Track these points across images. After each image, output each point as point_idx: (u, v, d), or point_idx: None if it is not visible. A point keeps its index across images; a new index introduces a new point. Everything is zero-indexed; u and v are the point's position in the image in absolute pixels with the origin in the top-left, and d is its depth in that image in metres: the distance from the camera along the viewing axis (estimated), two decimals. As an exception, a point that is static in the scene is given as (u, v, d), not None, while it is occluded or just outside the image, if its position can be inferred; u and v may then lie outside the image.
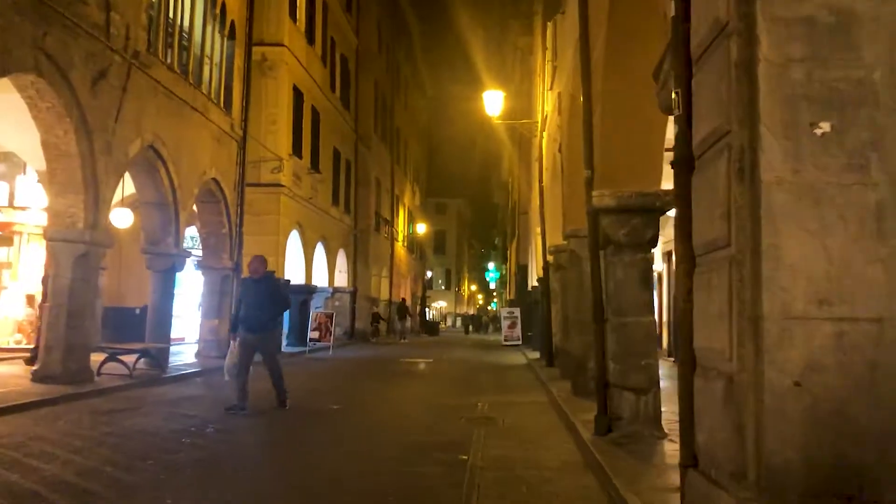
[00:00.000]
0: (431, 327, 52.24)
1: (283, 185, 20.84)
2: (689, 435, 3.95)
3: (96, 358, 11.89)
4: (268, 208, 20.63)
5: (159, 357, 13.42)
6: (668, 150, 6.00)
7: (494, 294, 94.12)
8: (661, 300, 19.67)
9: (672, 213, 4.89)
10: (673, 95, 4.06)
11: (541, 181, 17.00)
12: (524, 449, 7.26)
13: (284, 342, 23.52)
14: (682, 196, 4.01)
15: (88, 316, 11.13)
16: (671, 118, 4.25)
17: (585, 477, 6.06)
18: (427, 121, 60.25)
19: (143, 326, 19.92)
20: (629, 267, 7.21)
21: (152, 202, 13.91)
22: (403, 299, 38.38)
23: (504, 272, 64.99)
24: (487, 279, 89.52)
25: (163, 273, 14.10)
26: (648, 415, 7.08)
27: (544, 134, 16.74)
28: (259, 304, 9.35)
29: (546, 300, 16.95)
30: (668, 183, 7.44)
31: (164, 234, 14.09)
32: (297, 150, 22.38)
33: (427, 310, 60.55)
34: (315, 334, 21.99)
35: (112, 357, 12.04)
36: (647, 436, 7.02)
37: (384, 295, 37.33)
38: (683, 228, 3.99)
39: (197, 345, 17.35)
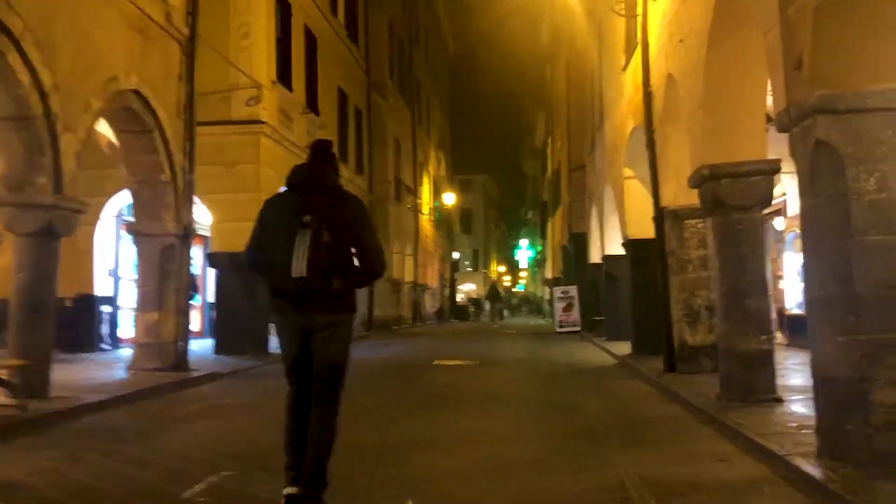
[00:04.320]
0: (462, 311, 46.54)
1: (262, 123, 14.94)
2: None
3: None
4: (243, 155, 14.78)
5: (21, 382, 7.59)
6: None
7: (524, 274, 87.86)
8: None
9: None
10: None
11: (647, 86, 10.92)
12: None
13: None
14: None
15: None
16: None
17: None
18: (449, 85, 54.06)
19: (79, 325, 14.35)
20: None
21: (5, 116, 8.06)
22: (495, 282, 37.24)
23: (539, 249, 58.82)
24: (518, 258, 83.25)
25: (34, 238, 8.27)
26: None
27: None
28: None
29: (659, 270, 10.93)
30: None
31: (32, 170, 8.24)
32: (284, 79, 16.47)
33: (455, 293, 54.72)
34: (316, 328, 16.10)
35: None
36: None
37: (408, 276, 31.44)
38: None
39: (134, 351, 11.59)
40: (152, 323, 11.10)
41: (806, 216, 5.30)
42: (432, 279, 39.61)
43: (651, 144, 10.89)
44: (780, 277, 15.68)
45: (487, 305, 35.81)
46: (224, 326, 14.94)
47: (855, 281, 4.88)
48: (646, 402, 8.71)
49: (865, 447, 4.81)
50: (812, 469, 4.78)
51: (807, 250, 5.31)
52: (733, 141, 7.71)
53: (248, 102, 14.80)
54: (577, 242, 25.83)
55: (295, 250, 3.96)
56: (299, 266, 3.95)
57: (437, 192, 41.89)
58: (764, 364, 7.71)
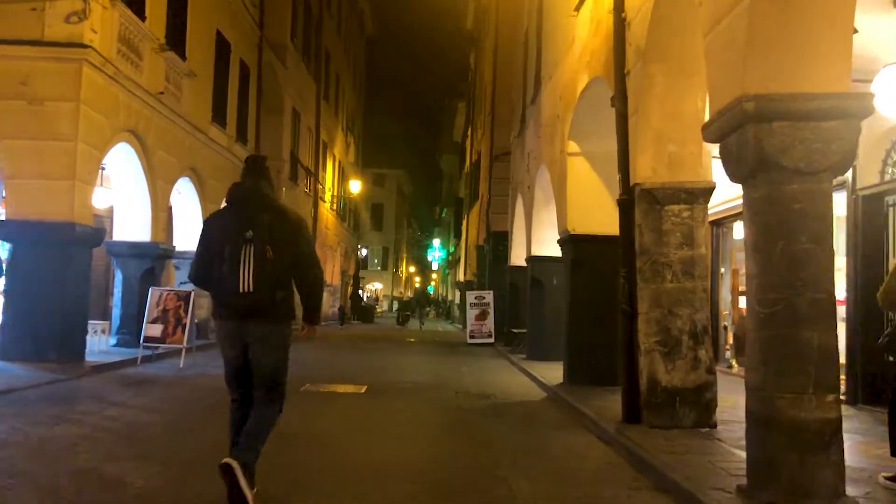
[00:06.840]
0: (366, 313, 42.73)
1: (88, 47, 10.91)
2: None
3: None
4: (55, 88, 10.77)
5: None
6: None
7: (434, 276, 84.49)
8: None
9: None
10: None
11: (620, 10, 7.65)
12: None
13: (113, 339, 13.80)
14: None
15: None
16: None
17: None
18: (365, 68, 50.18)
19: None
20: None
21: None
22: (424, 288, 38.91)
23: (452, 249, 55.50)
24: (430, 258, 79.81)
25: None
26: None
27: None
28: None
29: (623, 275, 7.65)
30: None
31: None
32: (132, 0, 12.49)
33: (361, 291, 50.79)
34: (155, 330, 12.13)
35: None
36: None
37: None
38: None
39: None
40: None
41: None
42: (333, 276, 35.73)
43: (622, 96, 7.60)
44: (742, 293, 12.95)
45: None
46: (16, 322, 10.85)
47: None
48: (616, 489, 5.33)
49: None
50: None
51: None
52: (802, 58, 4.45)
53: (69, 18, 10.79)
54: (496, 242, 22.79)
55: (240, 266, 4.17)
56: (246, 281, 4.16)
57: (343, 177, 38.04)
58: (830, 444, 4.48)
